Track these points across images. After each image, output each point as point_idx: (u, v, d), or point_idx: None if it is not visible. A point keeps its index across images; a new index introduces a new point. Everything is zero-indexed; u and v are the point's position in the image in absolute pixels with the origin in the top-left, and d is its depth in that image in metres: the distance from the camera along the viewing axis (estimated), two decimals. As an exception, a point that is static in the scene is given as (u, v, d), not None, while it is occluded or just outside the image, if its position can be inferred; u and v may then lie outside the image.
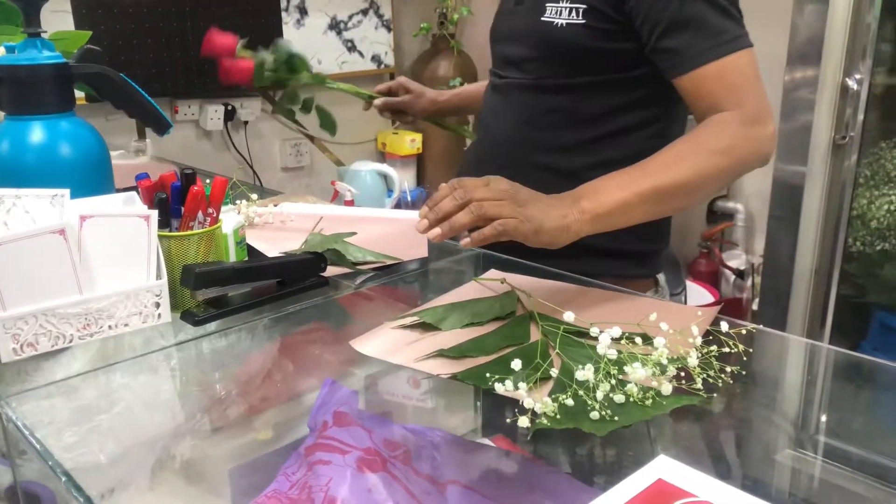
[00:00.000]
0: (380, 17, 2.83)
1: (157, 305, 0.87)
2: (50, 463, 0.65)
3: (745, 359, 0.72)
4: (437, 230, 0.82)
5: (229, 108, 2.54)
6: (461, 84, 2.89)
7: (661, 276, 1.16)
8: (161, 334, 0.87)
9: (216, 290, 0.89)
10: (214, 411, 0.86)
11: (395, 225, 1.19)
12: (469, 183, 0.84)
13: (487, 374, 0.71)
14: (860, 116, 1.87)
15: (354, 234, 1.06)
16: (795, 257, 1.93)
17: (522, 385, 0.67)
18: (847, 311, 2.09)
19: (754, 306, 2.54)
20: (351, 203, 2.55)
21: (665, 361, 0.68)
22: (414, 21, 2.95)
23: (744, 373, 0.71)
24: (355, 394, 0.87)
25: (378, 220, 1.21)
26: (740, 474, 0.66)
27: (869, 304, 2.16)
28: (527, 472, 0.78)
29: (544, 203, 0.85)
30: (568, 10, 1.01)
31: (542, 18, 1.03)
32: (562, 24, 1.01)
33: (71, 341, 0.83)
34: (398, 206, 2.91)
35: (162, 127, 0.98)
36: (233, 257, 0.99)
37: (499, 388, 0.69)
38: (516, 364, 0.70)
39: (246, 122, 2.62)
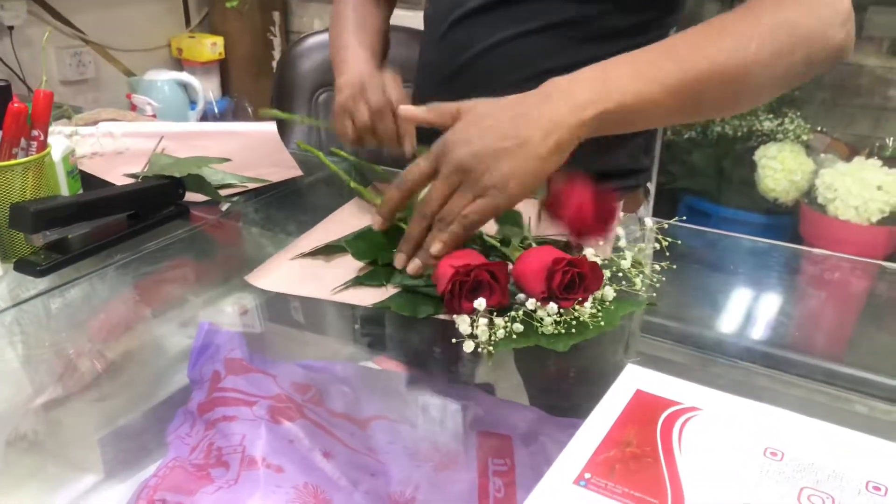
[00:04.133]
0: None
1: (-18, 257, 0.69)
2: None
3: (667, 253, 0.71)
4: (417, 262, 0.66)
5: (-13, 10, 2.12)
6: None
7: (649, 185, 1.03)
8: (-7, 292, 0.70)
9: (58, 230, 0.73)
10: (71, 375, 0.72)
11: (249, 139, 1.04)
12: (415, 182, 0.66)
13: (422, 301, 0.65)
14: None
15: (227, 160, 0.90)
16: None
17: (481, 301, 0.61)
18: (660, 197, 2.24)
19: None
20: (153, 118, 2.27)
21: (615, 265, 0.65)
22: None
23: (674, 267, 0.70)
24: (240, 335, 0.77)
25: (227, 135, 1.06)
26: (701, 370, 0.66)
27: (677, 189, 2.33)
28: (448, 399, 0.73)
29: (520, 128, 0.62)
30: None
31: None
32: None
33: None
34: (204, 118, 2.65)
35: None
36: (65, 191, 0.81)
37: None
38: (480, 303, 0.62)
39: (11, 28, 2.21)
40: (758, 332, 0.72)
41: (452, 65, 0.92)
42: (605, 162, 0.73)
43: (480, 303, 0.61)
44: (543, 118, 0.61)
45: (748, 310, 0.76)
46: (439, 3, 0.94)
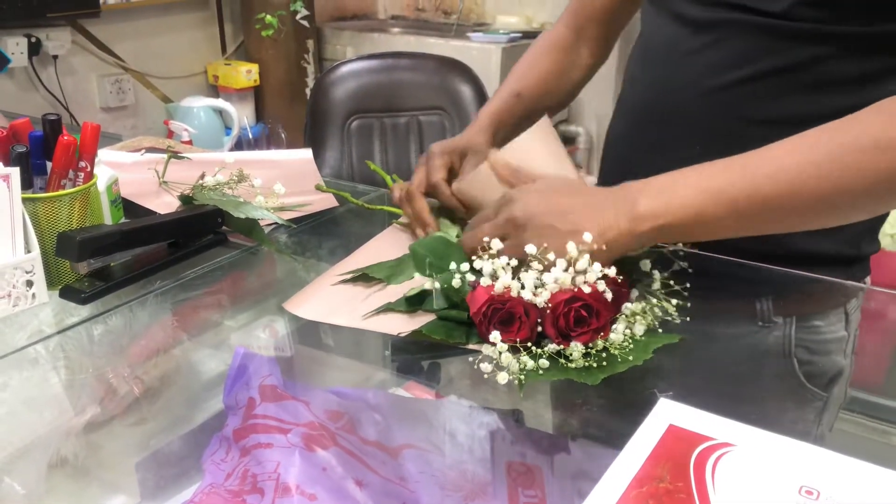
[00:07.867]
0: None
1: (30, 284, 0.71)
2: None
3: (690, 271, 0.70)
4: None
5: (33, 39, 2.19)
6: (302, 7, 2.68)
7: (867, 280, 0.86)
8: (39, 318, 0.72)
9: (101, 258, 0.75)
10: (111, 400, 0.74)
11: (288, 167, 1.07)
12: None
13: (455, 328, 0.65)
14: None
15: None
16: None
17: (496, 335, 0.62)
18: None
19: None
20: (189, 143, 2.32)
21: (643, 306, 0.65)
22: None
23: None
24: (274, 362, 0.78)
25: (265, 164, 1.08)
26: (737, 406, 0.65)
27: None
28: (478, 427, 0.74)
29: (578, 216, 0.64)
30: None
31: None
32: None
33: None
34: (238, 144, 2.70)
35: (-2, 63, 0.79)
36: (108, 219, 0.83)
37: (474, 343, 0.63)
38: (495, 336, 0.63)
39: (55, 57, 2.28)
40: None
41: (658, 106, 0.85)
42: (811, 244, 0.67)
43: (496, 336, 0.62)
44: (604, 218, 0.63)
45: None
46: (652, 40, 0.87)
